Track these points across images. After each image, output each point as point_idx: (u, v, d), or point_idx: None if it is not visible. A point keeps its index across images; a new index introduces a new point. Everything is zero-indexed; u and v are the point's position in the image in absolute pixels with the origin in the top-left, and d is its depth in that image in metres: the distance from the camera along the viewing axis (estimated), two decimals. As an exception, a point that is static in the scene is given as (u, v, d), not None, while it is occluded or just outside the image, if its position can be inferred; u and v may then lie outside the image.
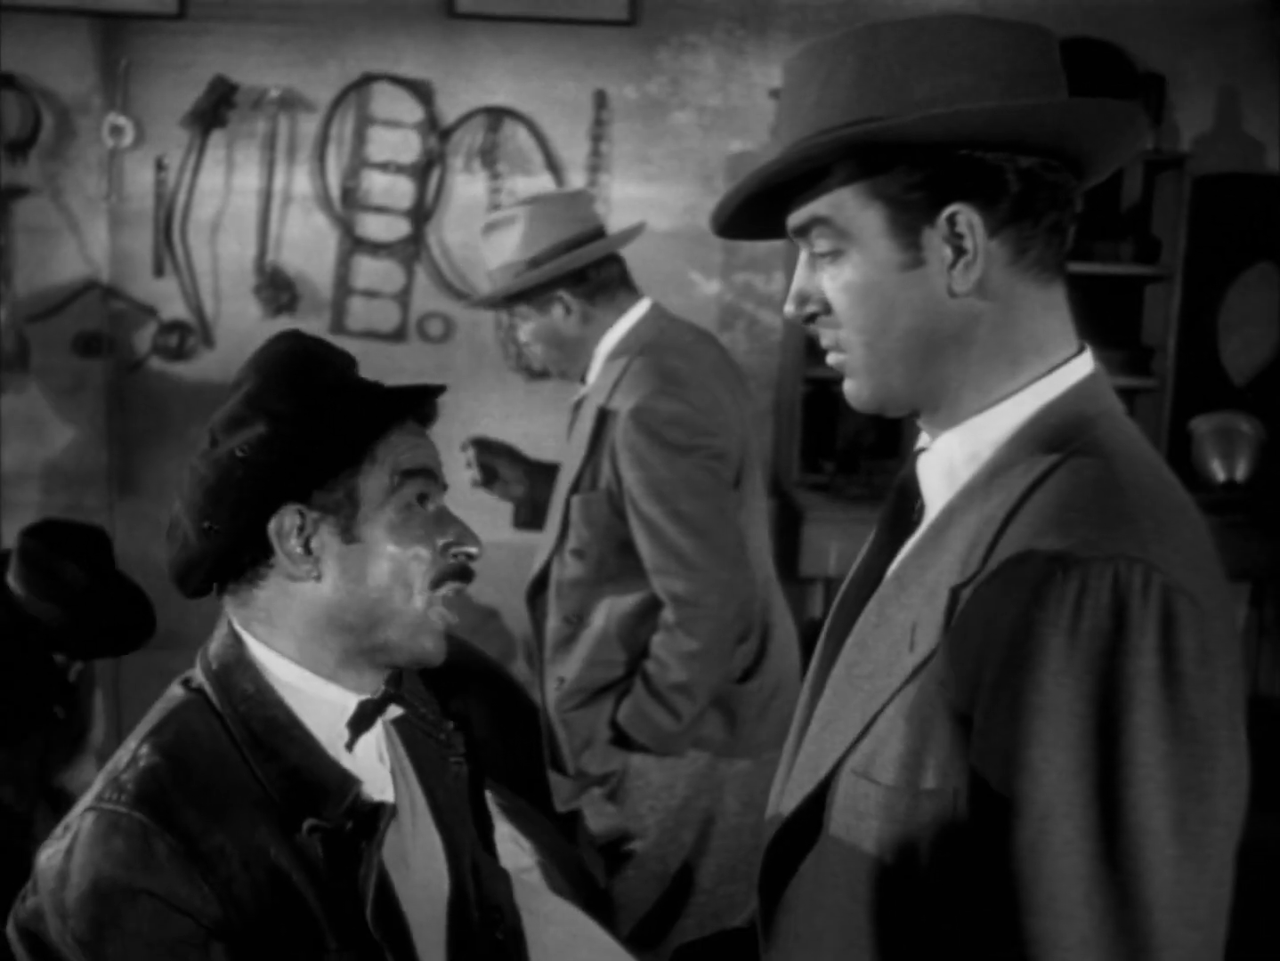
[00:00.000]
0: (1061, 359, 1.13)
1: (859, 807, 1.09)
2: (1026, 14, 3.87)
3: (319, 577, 1.29)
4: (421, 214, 4.14)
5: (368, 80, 4.08)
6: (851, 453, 4.33)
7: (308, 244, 4.14)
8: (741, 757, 2.62)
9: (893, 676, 1.08)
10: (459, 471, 3.08)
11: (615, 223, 4.05)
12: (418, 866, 1.39)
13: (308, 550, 1.29)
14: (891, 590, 1.14)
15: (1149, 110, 4.08)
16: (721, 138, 4.17)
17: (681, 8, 4.12)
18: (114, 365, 4.14)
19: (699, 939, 1.48)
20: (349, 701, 1.34)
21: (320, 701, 1.33)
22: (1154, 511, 1.01)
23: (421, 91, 4.08)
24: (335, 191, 4.12)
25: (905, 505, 1.22)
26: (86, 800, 1.26)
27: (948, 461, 1.14)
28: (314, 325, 4.07)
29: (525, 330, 2.63)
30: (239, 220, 4.11)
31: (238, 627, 1.34)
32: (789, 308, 1.18)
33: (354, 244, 4.15)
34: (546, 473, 2.83)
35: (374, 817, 1.29)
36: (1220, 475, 4.16)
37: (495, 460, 2.89)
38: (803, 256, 1.17)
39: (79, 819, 1.24)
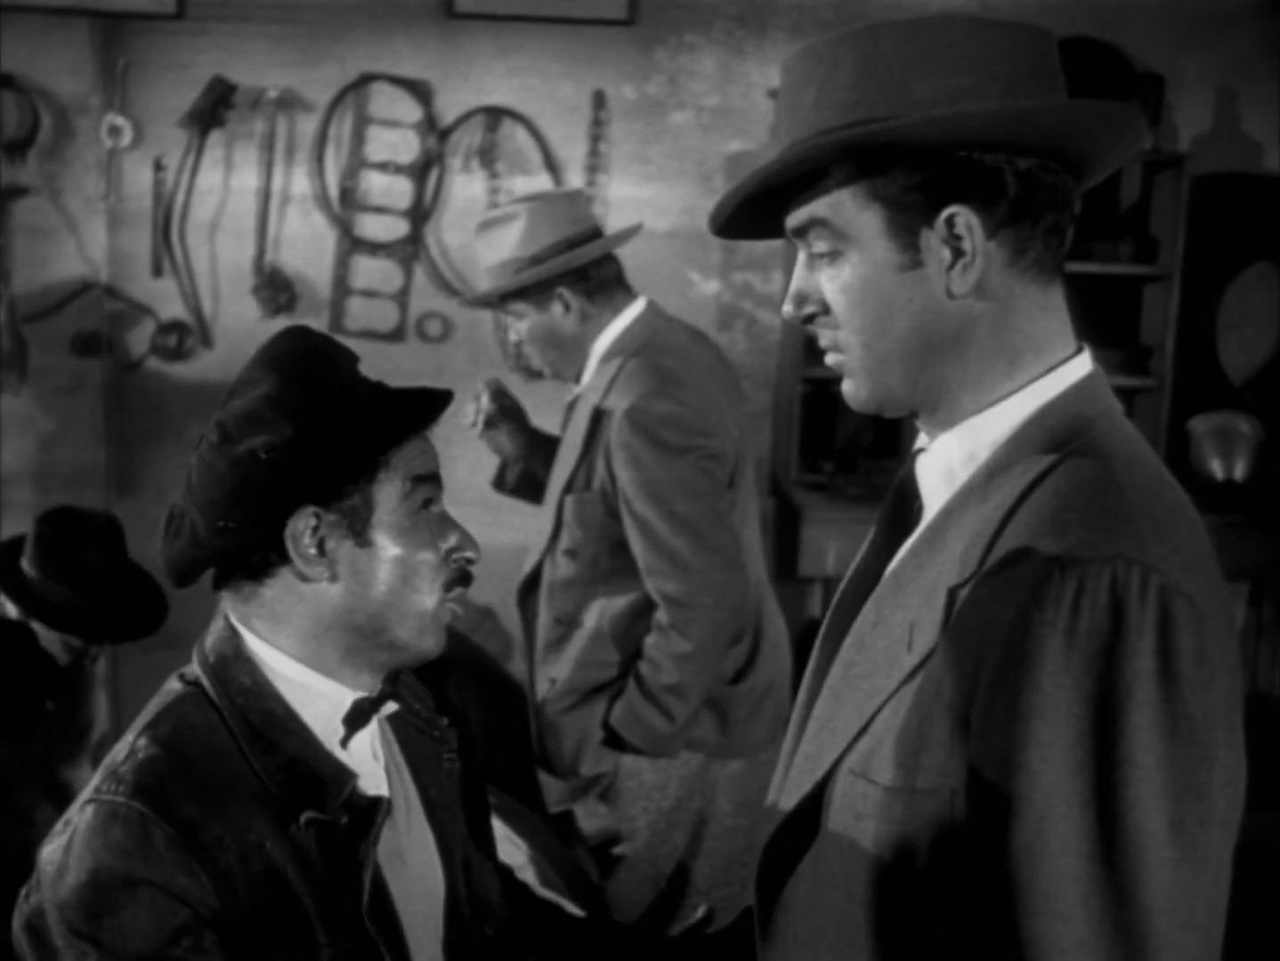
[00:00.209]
0: (1060, 359, 1.13)
1: (857, 807, 1.09)
2: (1026, 14, 3.88)
3: (333, 579, 1.30)
4: (420, 214, 4.14)
5: (366, 80, 4.08)
6: (850, 452, 4.33)
7: (306, 244, 4.14)
8: (734, 758, 2.62)
9: (890, 676, 1.08)
10: (462, 466, 3.09)
11: (614, 222, 4.06)
12: (413, 862, 1.40)
13: (321, 551, 1.29)
14: (889, 590, 1.14)
15: (1147, 110, 4.08)
16: (720, 138, 4.18)
17: (680, 8, 4.12)
18: (112, 365, 4.14)
19: (698, 938, 1.48)
20: (345, 697, 1.34)
21: (317, 695, 1.33)
22: (1152, 512, 1.02)
23: (420, 91, 4.08)
24: (334, 191, 4.12)
25: (903, 505, 1.22)
26: (85, 794, 1.27)
27: (946, 462, 1.15)
28: (312, 325, 4.00)
29: (520, 329, 2.63)
30: (237, 220, 4.11)
31: (235, 622, 1.34)
32: (787, 308, 1.18)
33: (352, 244, 4.15)
34: (548, 446, 2.81)
35: (370, 812, 1.30)
36: (1219, 475, 4.16)
37: (503, 414, 2.86)
38: (801, 257, 1.17)
39: (78, 812, 1.25)
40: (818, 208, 1.12)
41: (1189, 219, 4.15)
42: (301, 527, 1.28)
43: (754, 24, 4.14)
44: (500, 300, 2.63)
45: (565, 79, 4.11)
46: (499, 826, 2.39)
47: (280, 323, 4.04)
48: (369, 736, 1.38)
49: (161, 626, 2.79)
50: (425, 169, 4.12)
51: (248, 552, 1.30)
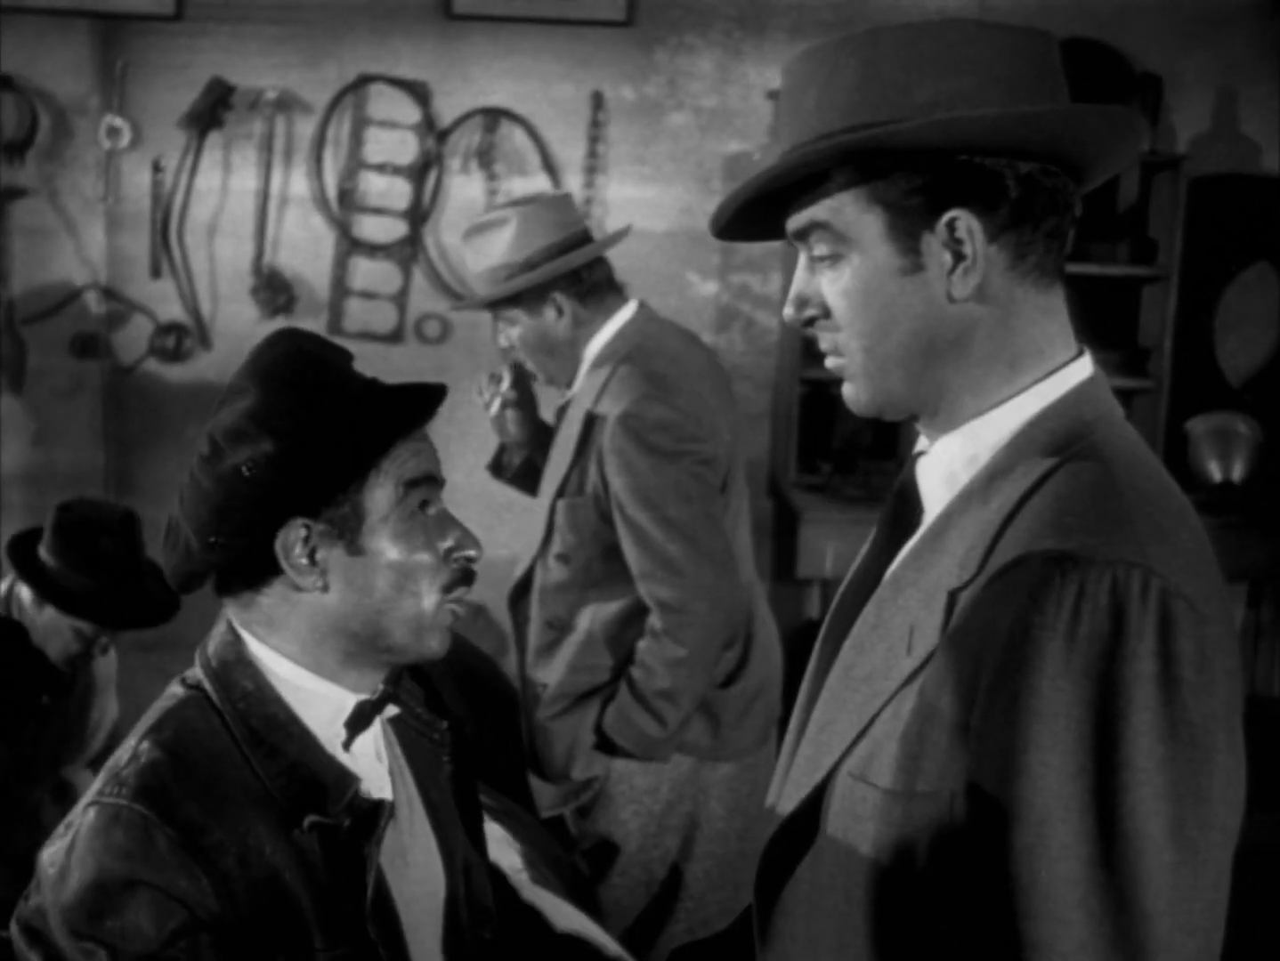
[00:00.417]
0: (1060, 362, 1.13)
1: (856, 810, 1.09)
2: (1025, 15, 3.88)
3: (325, 589, 1.30)
4: (419, 215, 4.14)
5: (365, 81, 4.08)
6: (848, 453, 4.33)
7: (305, 245, 4.14)
8: (725, 761, 2.61)
9: (890, 679, 1.08)
10: (460, 466, 3.08)
11: (612, 224, 4.06)
12: (415, 863, 1.40)
13: (313, 561, 1.29)
14: (889, 593, 1.14)
15: (1145, 111, 4.08)
16: (719, 139, 4.17)
17: (679, 8, 4.12)
18: (111, 366, 4.14)
19: (693, 941, 1.48)
20: (347, 700, 1.35)
21: (318, 699, 1.33)
22: (1152, 515, 1.02)
23: (418, 92, 4.08)
24: (332, 193, 4.12)
25: (904, 508, 1.22)
26: (88, 796, 1.27)
27: (946, 465, 1.15)
28: (311, 326, 4.04)
29: (512, 334, 2.61)
30: (236, 221, 4.11)
31: (237, 627, 1.35)
32: (788, 311, 1.17)
33: (351, 245, 4.15)
34: (551, 439, 2.80)
35: (373, 815, 1.30)
36: (1217, 476, 4.16)
37: (519, 399, 2.84)
38: (802, 260, 1.17)
39: (80, 814, 1.25)
40: (819, 211, 1.12)
41: (1187, 220, 4.15)
42: (291, 539, 1.28)
43: (752, 25, 4.14)
44: (492, 307, 2.61)
45: (564, 80, 4.12)
46: (493, 827, 2.40)
47: (279, 324, 4.04)
48: (372, 738, 1.38)
49: (173, 616, 2.81)
50: (424, 170, 4.12)
51: (240, 566, 1.31)
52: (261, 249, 4.11)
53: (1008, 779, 0.98)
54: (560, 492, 2.56)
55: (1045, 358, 1.12)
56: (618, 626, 2.56)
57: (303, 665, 1.33)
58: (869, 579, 1.22)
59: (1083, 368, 1.13)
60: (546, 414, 2.86)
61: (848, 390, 1.17)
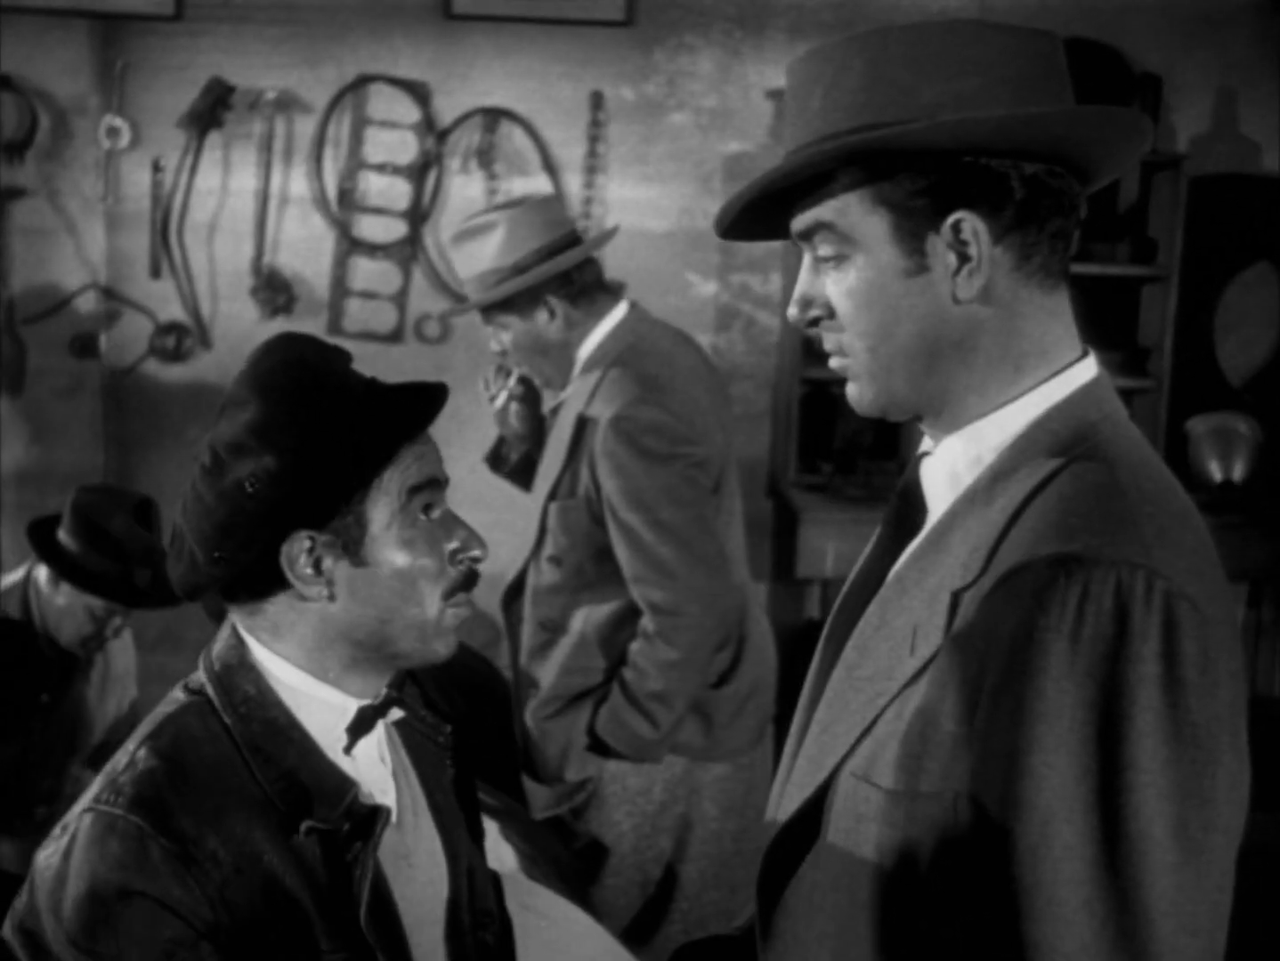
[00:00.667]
0: (1065, 364, 1.13)
1: (859, 810, 1.09)
2: (1025, 15, 3.88)
3: (331, 598, 1.30)
4: (419, 215, 4.14)
5: (364, 81, 4.07)
6: (849, 453, 4.33)
7: (305, 245, 4.14)
8: (718, 762, 2.62)
9: (893, 679, 1.08)
10: (462, 466, 3.08)
11: (612, 224, 4.05)
12: (419, 866, 1.40)
13: (318, 571, 1.29)
14: (893, 593, 1.14)
15: (1145, 111, 4.08)
16: (718, 138, 4.17)
17: (678, 8, 4.12)
18: (110, 367, 4.14)
19: (697, 940, 1.48)
20: (349, 705, 1.35)
21: (320, 704, 1.33)
22: (1157, 516, 1.02)
23: (418, 92, 4.08)
24: (332, 193, 4.12)
25: (908, 509, 1.22)
26: (84, 800, 1.27)
27: (950, 466, 1.15)
28: (311, 326, 4.06)
29: (504, 339, 2.61)
30: (236, 221, 4.11)
31: (241, 631, 1.35)
32: (792, 311, 1.17)
33: (351, 245, 4.14)
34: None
35: (370, 820, 1.30)
36: (1217, 476, 4.16)
37: (525, 394, 2.83)
38: (806, 260, 1.16)
39: (76, 819, 1.26)
40: (823, 211, 1.12)
41: (1187, 220, 4.15)
42: (296, 551, 1.28)
43: (752, 25, 4.14)
44: (484, 312, 2.60)
45: (563, 80, 4.11)
46: (494, 827, 2.40)
47: (279, 324, 4.05)
48: (375, 742, 1.38)
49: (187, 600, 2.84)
50: (424, 170, 4.12)
51: (246, 577, 1.31)
52: (261, 249, 4.11)
53: (1011, 780, 0.98)
54: (552, 495, 2.56)
55: (1049, 359, 1.12)
56: (610, 628, 2.56)
57: (306, 670, 1.33)
58: (872, 579, 1.22)
59: (1087, 369, 1.13)
60: (547, 411, 2.86)
61: (852, 390, 1.17)
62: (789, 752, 1.26)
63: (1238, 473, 4.16)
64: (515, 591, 2.69)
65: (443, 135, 4.11)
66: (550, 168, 4.13)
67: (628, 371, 2.48)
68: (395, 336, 4.18)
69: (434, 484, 1.33)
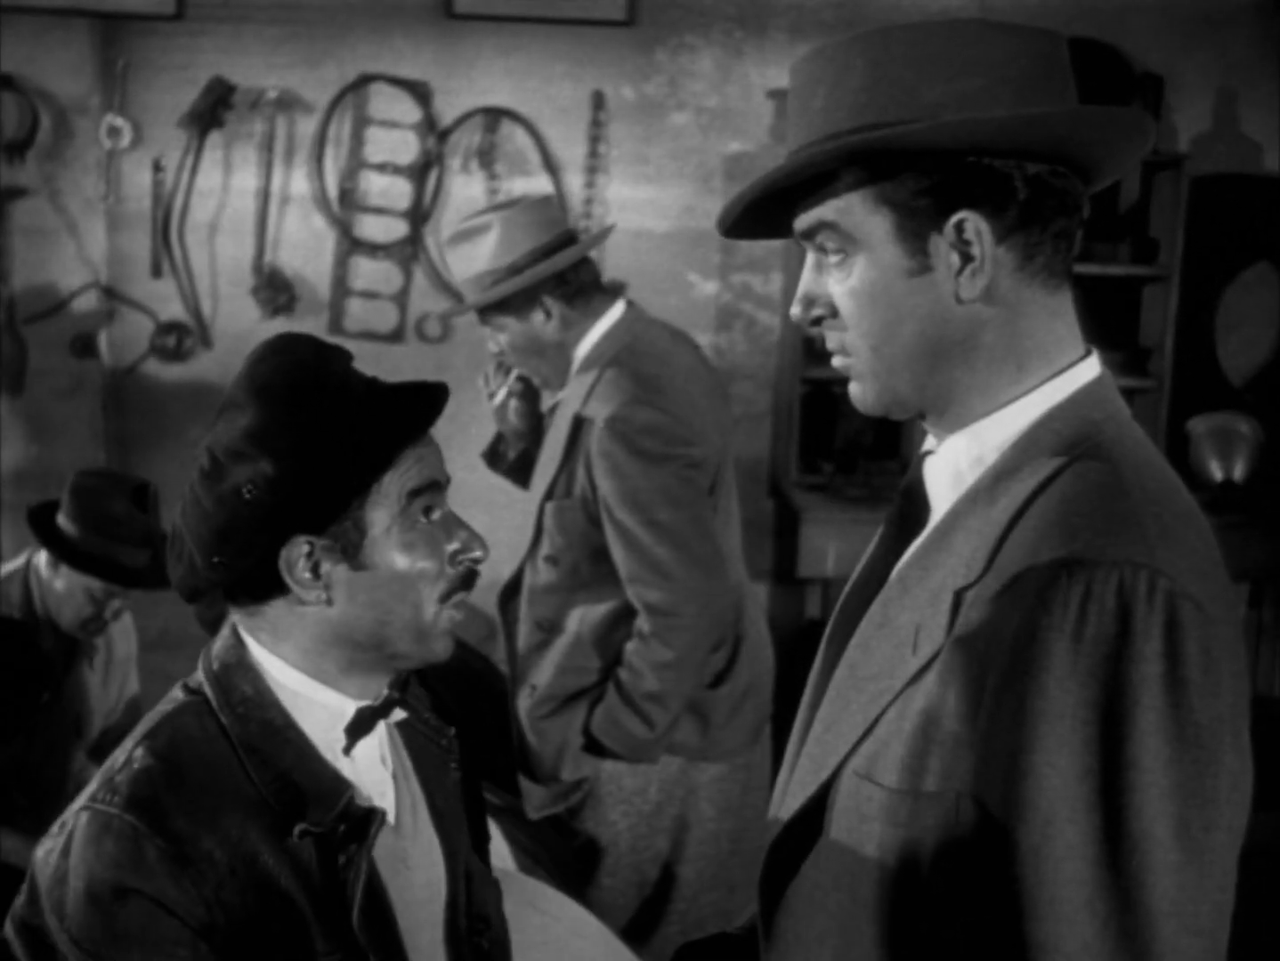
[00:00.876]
0: (1068, 363, 1.13)
1: (861, 810, 1.09)
2: (1025, 14, 3.88)
3: (330, 602, 1.30)
4: (419, 215, 4.14)
5: (365, 81, 4.08)
6: (850, 453, 4.33)
7: (305, 245, 4.14)
8: (714, 762, 2.61)
9: (895, 678, 1.08)
10: (462, 465, 3.07)
11: (614, 224, 4.06)
12: (417, 868, 1.40)
13: (316, 575, 1.29)
14: (895, 592, 1.14)
15: (1146, 111, 4.08)
16: (719, 138, 4.17)
17: (679, 8, 4.12)
18: (111, 366, 4.14)
19: (700, 939, 1.48)
20: (347, 707, 1.35)
21: (318, 706, 1.33)
22: (1159, 516, 1.02)
23: (419, 92, 4.08)
24: (333, 192, 4.12)
25: (910, 508, 1.22)
26: (82, 799, 1.28)
27: (953, 465, 1.15)
28: (312, 326, 4.07)
29: (501, 340, 2.60)
30: (237, 221, 4.11)
31: (241, 631, 1.35)
32: (795, 310, 1.17)
33: (352, 245, 4.15)
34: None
35: (365, 823, 1.30)
36: (1218, 475, 4.16)
37: (524, 392, 2.83)
38: (809, 259, 1.16)
39: (74, 817, 1.26)
40: (826, 211, 1.12)
41: (1188, 220, 4.15)
42: (294, 556, 1.28)
43: (753, 25, 4.14)
44: (480, 313, 2.60)
45: (564, 80, 4.11)
46: (490, 825, 2.40)
47: (279, 324, 4.05)
48: (376, 743, 1.38)
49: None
50: (424, 170, 4.12)
51: (245, 581, 1.31)
52: (262, 248, 4.11)
53: (1014, 779, 0.98)
54: (549, 495, 2.56)
55: (1052, 358, 1.12)
56: (605, 628, 2.56)
57: (304, 672, 1.33)
58: (875, 578, 1.22)
59: (1090, 368, 1.13)
60: (546, 409, 2.86)
61: (854, 389, 1.17)
62: (791, 752, 1.26)
63: (1238, 472, 4.16)
64: (512, 591, 2.69)
65: (444, 135, 4.11)
66: (551, 167, 4.13)
67: (624, 371, 2.48)
68: (396, 336, 4.18)
69: (434, 486, 1.33)
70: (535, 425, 2.84)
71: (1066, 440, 1.08)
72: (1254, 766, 1.02)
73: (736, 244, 4.13)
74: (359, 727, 1.35)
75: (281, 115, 4.06)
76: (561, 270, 2.51)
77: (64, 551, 2.82)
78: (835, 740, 1.13)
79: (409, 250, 4.15)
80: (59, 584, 2.86)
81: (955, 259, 1.09)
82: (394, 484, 1.29)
